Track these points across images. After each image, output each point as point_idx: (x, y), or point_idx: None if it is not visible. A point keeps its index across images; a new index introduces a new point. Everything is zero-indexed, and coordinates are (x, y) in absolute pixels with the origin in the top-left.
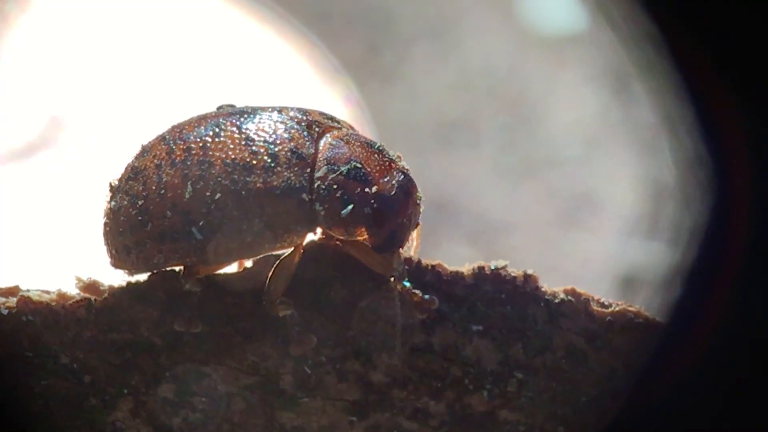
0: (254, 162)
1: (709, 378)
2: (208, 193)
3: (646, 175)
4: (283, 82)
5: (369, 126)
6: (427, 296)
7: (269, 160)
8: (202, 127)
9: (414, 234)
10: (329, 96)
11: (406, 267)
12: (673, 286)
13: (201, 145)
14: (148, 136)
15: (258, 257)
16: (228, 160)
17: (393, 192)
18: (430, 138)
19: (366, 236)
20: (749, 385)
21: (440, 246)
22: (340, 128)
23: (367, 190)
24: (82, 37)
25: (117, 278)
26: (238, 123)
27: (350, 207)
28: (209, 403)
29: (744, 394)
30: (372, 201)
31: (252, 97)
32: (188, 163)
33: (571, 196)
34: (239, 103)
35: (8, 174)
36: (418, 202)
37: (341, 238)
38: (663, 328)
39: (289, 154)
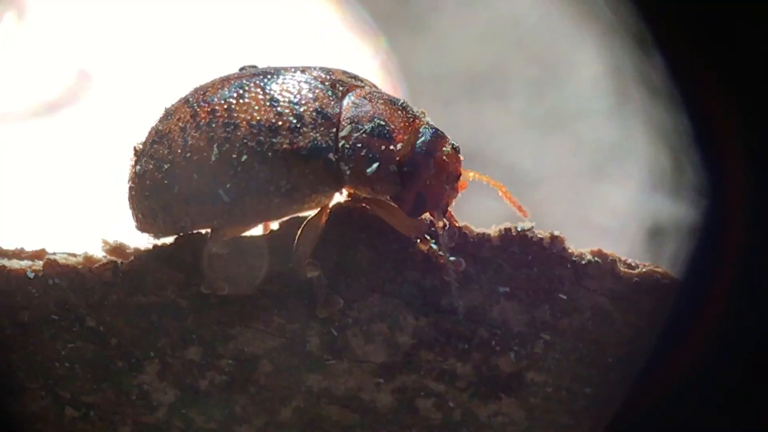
0: (280, 123)
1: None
2: (234, 155)
3: (670, 127)
4: (312, 34)
5: (397, 77)
6: (453, 258)
7: (295, 121)
8: (226, 89)
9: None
10: (358, 48)
11: (432, 228)
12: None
13: (225, 107)
14: (173, 96)
15: (284, 219)
16: (253, 122)
17: (415, 146)
18: (458, 89)
19: (391, 198)
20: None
21: (468, 199)
22: (363, 86)
23: (391, 147)
24: None
25: (143, 241)
26: (261, 84)
27: (375, 165)
28: (236, 365)
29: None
30: (397, 159)
31: (279, 52)
32: (213, 125)
33: (599, 148)
34: (263, 63)
35: (33, 130)
36: (445, 158)
37: (368, 196)
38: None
39: (314, 114)
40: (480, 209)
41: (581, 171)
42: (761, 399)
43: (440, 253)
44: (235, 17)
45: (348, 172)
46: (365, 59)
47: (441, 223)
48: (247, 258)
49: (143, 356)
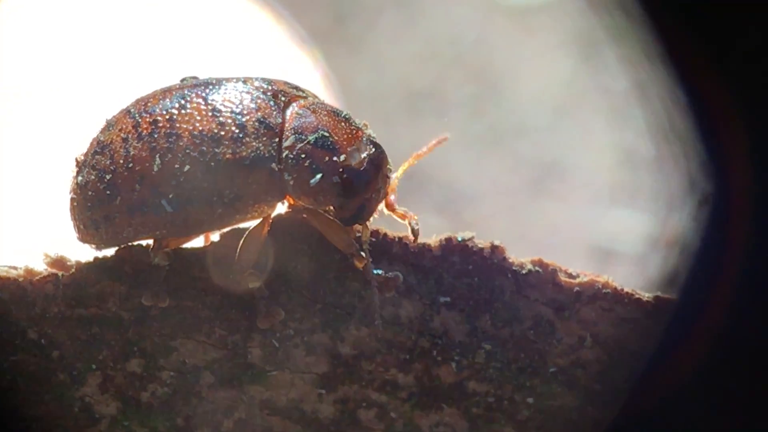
0: (222, 133)
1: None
2: (177, 166)
3: (616, 143)
4: (250, 52)
5: (336, 96)
6: (390, 273)
7: (237, 131)
8: (167, 100)
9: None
10: (296, 66)
11: (373, 239)
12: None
13: (167, 117)
14: (114, 107)
15: (225, 230)
16: (196, 132)
17: (362, 165)
18: (397, 107)
19: (333, 208)
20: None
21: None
22: (306, 97)
23: (335, 158)
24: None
25: (85, 254)
26: (203, 94)
27: (319, 176)
28: (177, 377)
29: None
30: (341, 170)
31: (218, 68)
32: (155, 135)
33: (538, 165)
34: (203, 75)
35: None
36: (387, 174)
37: (310, 207)
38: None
39: (256, 124)
40: (420, 224)
41: (521, 187)
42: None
43: (376, 271)
44: (174, 28)
45: (291, 183)
46: (305, 72)
47: (367, 235)
48: (188, 270)
49: (85, 368)
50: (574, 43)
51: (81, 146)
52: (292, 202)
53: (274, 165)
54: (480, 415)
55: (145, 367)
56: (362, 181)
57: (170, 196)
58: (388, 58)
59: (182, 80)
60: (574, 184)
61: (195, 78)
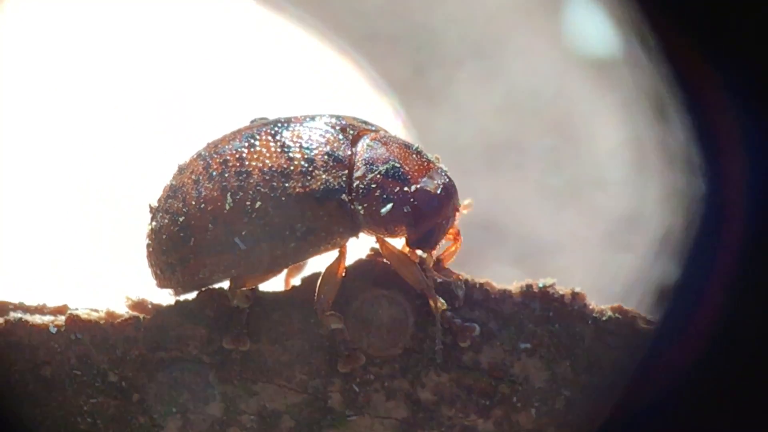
0: (291, 167)
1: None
2: (248, 203)
3: (682, 193)
4: (331, 103)
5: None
6: (467, 323)
7: (306, 165)
8: (237, 140)
9: (451, 241)
10: (377, 114)
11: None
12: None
13: (237, 156)
14: (188, 152)
15: (305, 276)
16: (265, 168)
17: (435, 191)
18: (476, 159)
19: (404, 235)
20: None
21: (487, 267)
22: (376, 131)
23: (406, 188)
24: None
25: (165, 299)
26: (272, 132)
27: (390, 205)
28: (258, 421)
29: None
30: (412, 199)
31: (297, 112)
32: (226, 175)
33: (616, 218)
34: (275, 116)
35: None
36: (457, 206)
37: (379, 237)
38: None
39: (325, 156)
40: (496, 277)
41: (599, 240)
42: None
43: (454, 320)
44: (257, 74)
45: (362, 212)
46: (385, 120)
47: (431, 261)
48: (268, 313)
49: (165, 412)
50: (652, 97)
51: (155, 192)
52: (370, 235)
53: (344, 196)
54: None
55: (225, 410)
56: (433, 206)
57: (243, 233)
58: (467, 110)
59: (252, 121)
60: (650, 237)
61: (264, 118)
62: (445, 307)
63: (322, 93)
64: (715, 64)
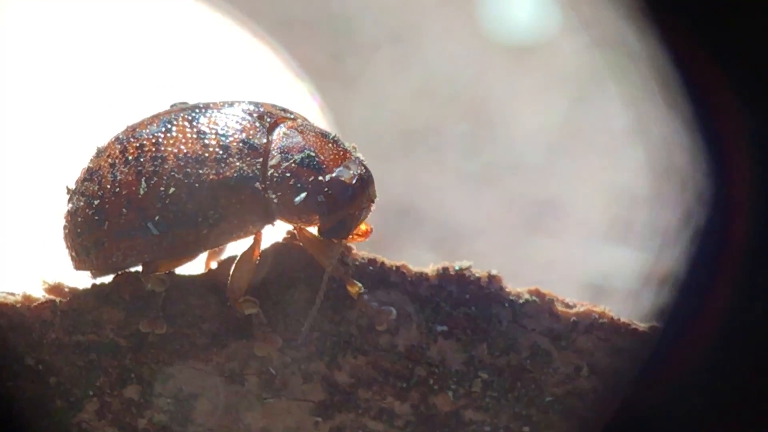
0: (206, 154)
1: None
2: (162, 188)
3: (610, 180)
4: (247, 81)
5: (331, 130)
6: (384, 308)
7: (221, 152)
8: (155, 125)
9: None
10: (293, 97)
11: (370, 267)
12: (665, 289)
13: (153, 141)
14: (105, 137)
15: (222, 258)
16: (180, 154)
17: (349, 181)
18: (392, 144)
19: (318, 223)
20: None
21: (403, 252)
22: (294, 119)
23: (320, 178)
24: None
25: (83, 281)
26: (189, 118)
27: (303, 195)
28: (174, 404)
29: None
30: (326, 188)
31: (214, 95)
32: (141, 159)
33: (534, 202)
34: (195, 101)
35: None
36: (372, 196)
37: (295, 225)
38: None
39: (240, 144)
40: (413, 262)
41: (516, 225)
42: None
43: (371, 304)
44: (169, 55)
45: (276, 201)
46: (301, 103)
47: (338, 251)
48: (185, 297)
49: (82, 395)
50: (569, 82)
51: (73, 174)
52: (285, 222)
53: (258, 184)
54: None
55: (142, 393)
56: (347, 196)
57: (156, 218)
58: (384, 95)
59: (172, 105)
60: (569, 222)
61: (184, 103)
62: (361, 291)
63: (239, 78)
64: (719, 61)
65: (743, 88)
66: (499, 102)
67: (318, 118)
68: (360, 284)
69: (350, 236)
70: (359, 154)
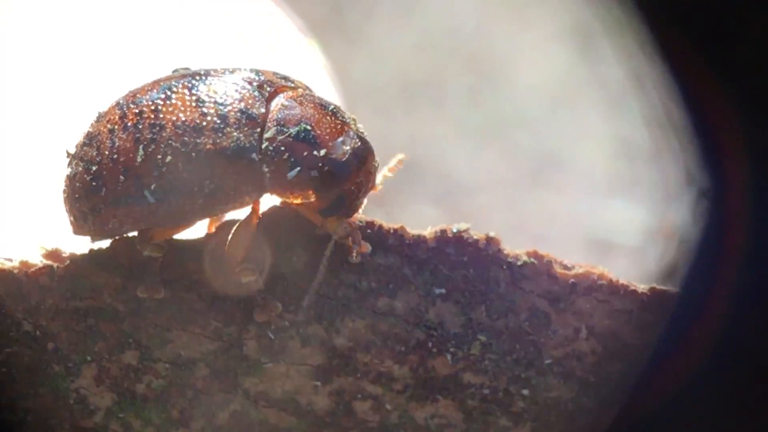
0: (204, 123)
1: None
2: (159, 156)
3: (613, 134)
4: (247, 43)
5: (333, 86)
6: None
7: (219, 121)
8: (155, 91)
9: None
10: (299, 55)
11: (369, 230)
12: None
13: (153, 108)
14: (107, 101)
15: (221, 223)
16: (179, 123)
17: (344, 157)
18: (394, 98)
19: (314, 199)
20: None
21: (406, 207)
22: (294, 88)
23: (315, 153)
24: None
25: (81, 246)
26: (189, 85)
27: (297, 170)
28: (172, 369)
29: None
30: (320, 164)
31: (217, 58)
32: (140, 126)
33: (536, 156)
34: (198, 66)
35: None
36: (372, 170)
37: (284, 198)
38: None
39: (238, 114)
40: (415, 217)
41: (518, 179)
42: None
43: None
44: (173, 16)
45: (269, 175)
46: (306, 61)
47: (333, 228)
48: (182, 262)
49: (80, 360)
50: (572, 35)
51: (74, 138)
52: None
53: (254, 155)
54: (475, 407)
55: (141, 358)
56: (342, 173)
57: (152, 186)
58: (385, 48)
59: (173, 71)
60: (571, 176)
61: (186, 69)
62: (366, 249)
63: (241, 35)
64: (717, 68)
65: (741, 90)
66: (501, 55)
67: (321, 73)
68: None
69: (352, 213)
70: (360, 126)
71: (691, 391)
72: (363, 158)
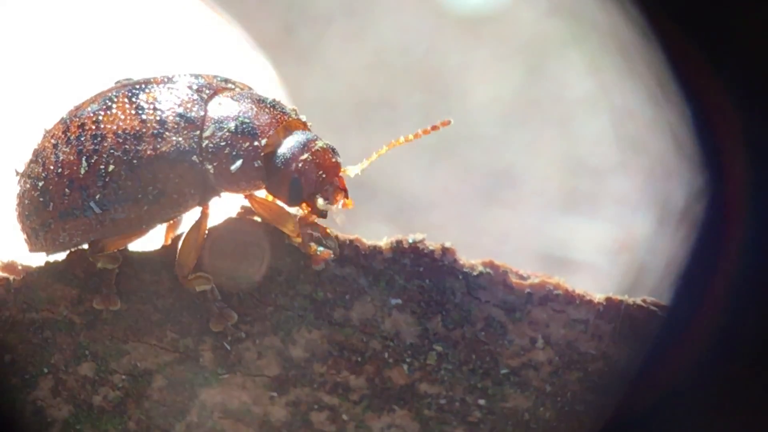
0: (144, 130)
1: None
2: (102, 166)
3: (565, 151)
4: (202, 54)
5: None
6: (321, 249)
7: (158, 127)
8: (96, 103)
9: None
10: (248, 70)
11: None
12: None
13: (94, 119)
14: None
15: (176, 234)
16: (119, 131)
17: (283, 140)
18: (347, 116)
19: (266, 191)
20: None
21: (359, 224)
22: (233, 89)
23: (256, 143)
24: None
25: (37, 259)
26: (129, 94)
27: (239, 162)
28: (129, 380)
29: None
30: (262, 152)
31: (166, 70)
32: (82, 138)
33: (489, 173)
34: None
35: None
36: (317, 149)
37: (237, 193)
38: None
39: (177, 118)
40: (368, 235)
41: (471, 196)
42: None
43: (310, 244)
44: (121, 29)
45: (212, 172)
46: (256, 76)
47: (315, 216)
48: (138, 273)
49: (37, 372)
50: (524, 52)
51: (23, 157)
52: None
53: (195, 157)
54: (432, 417)
55: (97, 370)
56: (285, 157)
57: (97, 197)
58: (338, 67)
59: (116, 82)
60: (524, 193)
61: (129, 79)
62: (328, 255)
63: (192, 51)
64: (715, 61)
65: (740, 85)
66: (453, 73)
67: (274, 89)
68: (321, 249)
69: (314, 198)
70: (302, 116)
71: (663, 401)
72: (304, 142)
